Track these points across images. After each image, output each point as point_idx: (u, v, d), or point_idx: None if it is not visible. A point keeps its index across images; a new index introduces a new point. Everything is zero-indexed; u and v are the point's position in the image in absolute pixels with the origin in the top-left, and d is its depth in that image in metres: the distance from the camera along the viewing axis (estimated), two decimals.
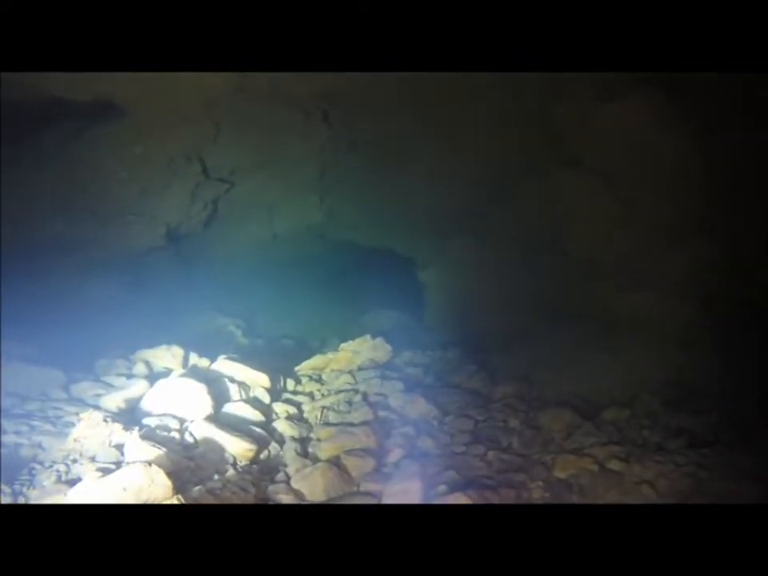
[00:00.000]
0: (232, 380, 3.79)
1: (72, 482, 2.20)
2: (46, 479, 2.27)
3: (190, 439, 2.85)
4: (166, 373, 3.78)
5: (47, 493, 2.18)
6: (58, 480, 2.28)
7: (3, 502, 2.09)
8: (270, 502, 2.56)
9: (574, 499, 2.67)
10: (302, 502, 2.59)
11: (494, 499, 2.51)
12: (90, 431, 2.59)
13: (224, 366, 3.93)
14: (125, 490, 2.02)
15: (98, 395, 3.34)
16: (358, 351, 5.15)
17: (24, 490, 2.21)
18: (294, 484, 2.69)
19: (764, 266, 4.06)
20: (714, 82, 3.71)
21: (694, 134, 4.11)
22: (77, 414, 2.92)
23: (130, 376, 3.77)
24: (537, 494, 2.73)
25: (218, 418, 3.20)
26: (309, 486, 2.65)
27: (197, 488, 2.39)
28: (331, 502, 2.58)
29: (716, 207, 4.34)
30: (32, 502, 2.14)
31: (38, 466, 2.40)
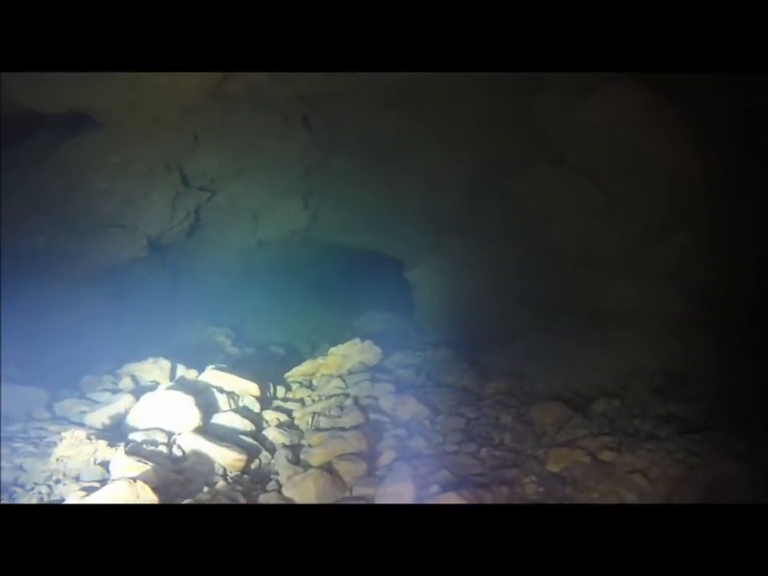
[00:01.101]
0: (221, 390, 3.74)
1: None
2: (27, 502, 2.21)
3: (178, 452, 2.80)
4: (153, 387, 3.72)
5: None
6: (40, 502, 2.22)
7: None
8: None
9: (568, 492, 2.66)
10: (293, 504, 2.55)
11: (487, 497, 2.50)
12: (74, 450, 2.54)
13: (212, 376, 3.88)
14: None
15: (83, 412, 3.28)
16: (348, 355, 5.12)
17: None
18: (286, 492, 2.65)
19: (752, 257, 4.10)
20: (700, 76, 3.74)
21: (683, 127, 4.14)
22: (60, 433, 2.85)
23: (115, 391, 3.70)
24: (530, 490, 2.72)
25: (206, 430, 3.15)
26: (300, 493, 2.62)
27: (186, 501, 2.35)
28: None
29: (705, 200, 4.37)
30: None
31: (18, 489, 2.33)
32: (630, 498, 2.49)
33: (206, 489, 2.57)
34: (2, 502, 2.22)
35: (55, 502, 2.18)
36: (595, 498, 2.58)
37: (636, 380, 3.98)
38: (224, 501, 2.49)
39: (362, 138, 5.67)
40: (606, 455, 2.83)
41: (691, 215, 4.49)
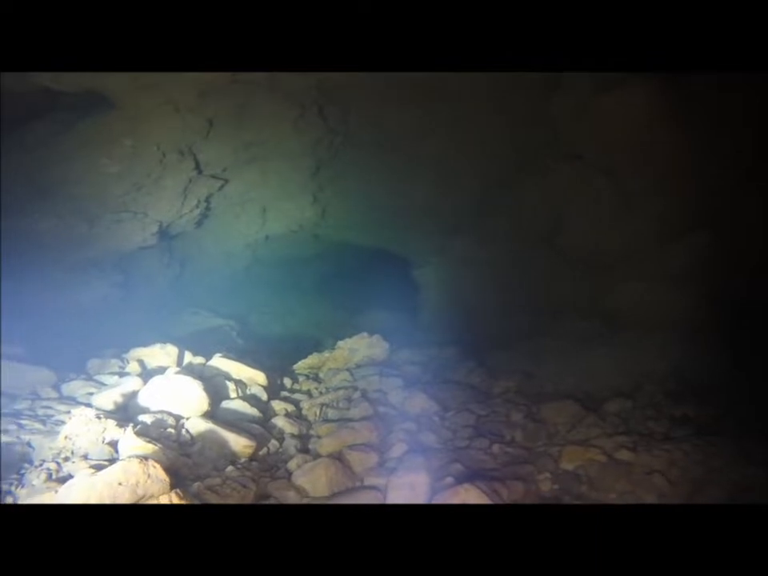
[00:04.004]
0: (228, 378, 3.70)
1: (63, 480, 2.10)
2: (36, 478, 2.16)
3: (186, 436, 2.75)
4: (161, 371, 3.67)
5: (37, 491, 2.07)
6: (49, 478, 2.17)
7: None
8: (272, 499, 2.47)
9: (584, 490, 2.61)
10: (305, 498, 2.50)
11: (503, 490, 2.45)
12: (83, 428, 2.48)
13: (220, 363, 3.84)
14: (120, 484, 1.92)
15: (90, 394, 3.23)
16: (356, 349, 5.08)
17: (12, 489, 2.10)
18: (297, 479, 2.60)
19: (763, 258, 4.06)
20: (715, 75, 3.70)
21: (696, 126, 4.11)
22: (68, 412, 2.81)
23: (122, 374, 3.65)
24: (545, 486, 2.67)
25: (214, 415, 3.11)
26: (311, 481, 2.57)
27: (196, 484, 2.30)
28: (336, 497, 2.49)
29: (716, 200, 4.34)
30: (21, 501, 2.03)
31: (27, 465, 2.29)
32: (649, 499, 2.43)
33: (215, 473, 2.52)
34: (11, 477, 2.17)
35: (64, 478, 2.12)
36: (612, 497, 2.53)
37: (649, 382, 3.92)
38: (234, 486, 2.44)
39: (374, 133, 5.63)
40: (623, 455, 2.78)
41: (706, 216, 4.45)
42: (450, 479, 2.50)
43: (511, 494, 2.48)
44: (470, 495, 2.27)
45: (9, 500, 2.05)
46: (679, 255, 4.61)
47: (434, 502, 2.34)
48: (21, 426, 2.61)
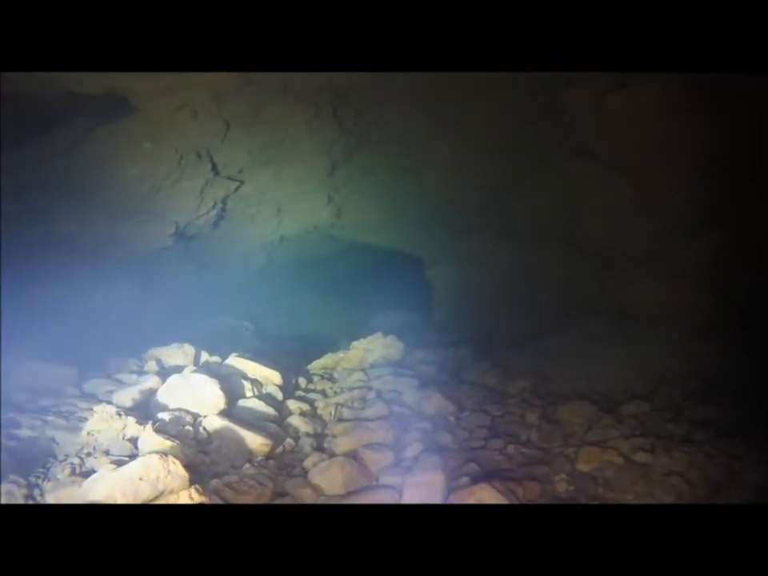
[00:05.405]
0: (244, 377, 3.75)
1: (86, 475, 2.16)
2: (60, 472, 2.23)
3: (204, 433, 2.79)
4: (178, 370, 3.73)
5: (62, 485, 2.13)
6: (73, 473, 2.23)
7: (18, 494, 2.04)
8: (288, 496, 2.49)
9: (600, 491, 2.59)
10: (321, 497, 2.52)
11: (519, 490, 2.44)
12: (104, 425, 2.55)
13: (236, 362, 3.89)
14: (141, 479, 1.96)
15: (110, 392, 3.30)
16: (370, 349, 5.09)
17: (39, 482, 2.16)
18: (312, 478, 2.62)
19: None
20: (726, 74, 3.64)
21: (710, 123, 4.05)
22: (90, 409, 2.88)
23: (141, 373, 3.72)
24: (561, 487, 2.65)
25: (231, 414, 3.15)
26: (327, 479, 2.59)
27: (214, 480, 2.33)
28: (351, 496, 2.51)
29: (731, 197, 4.27)
30: (47, 494, 2.09)
31: (52, 459, 2.35)
32: (668, 501, 2.40)
33: (232, 471, 2.56)
34: (37, 470, 2.24)
35: (87, 473, 2.18)
36: (629, 499, 2.51)
37: (667, 383, 3.87)
38: (251, 483, 2.47)
39: (389, 133, 5.65)
40: (640, 456, 2.75)
41: (722, 213, 4.38)
42: (465, 479, 2.50)
43: (527, 493, 2.47)
44: (486, 495, 2.27)
45: (36, 492, 2.11)
46: (693, 253, 4.54)
47: (449, 501, 2.34)
48: (46, 422, 2.69)
